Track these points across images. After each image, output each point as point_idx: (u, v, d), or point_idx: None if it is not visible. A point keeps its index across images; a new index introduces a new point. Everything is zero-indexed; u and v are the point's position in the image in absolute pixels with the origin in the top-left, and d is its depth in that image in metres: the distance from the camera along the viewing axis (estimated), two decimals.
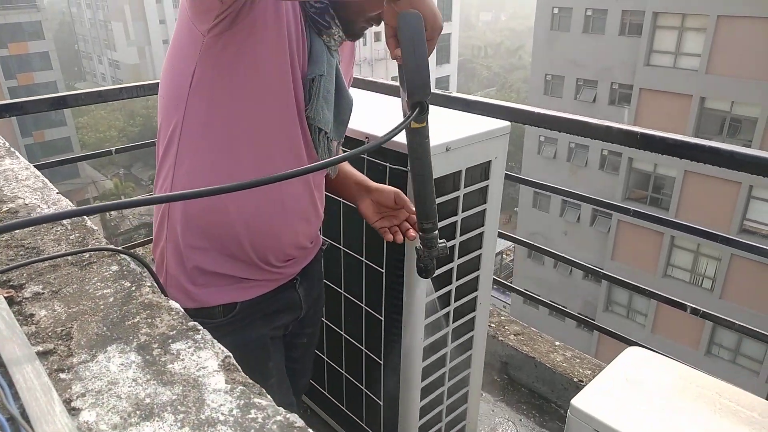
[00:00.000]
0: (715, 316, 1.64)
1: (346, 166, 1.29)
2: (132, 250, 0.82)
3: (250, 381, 0.53)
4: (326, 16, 0.98)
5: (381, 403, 1.61)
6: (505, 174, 1.64)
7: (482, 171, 1.45)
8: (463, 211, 1.42)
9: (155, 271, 1.02)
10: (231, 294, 1.06)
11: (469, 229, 1.47)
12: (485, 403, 1.99)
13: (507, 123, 1.47)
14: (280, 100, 0.98)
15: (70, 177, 28.40)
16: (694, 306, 1.66)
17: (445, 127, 1.41)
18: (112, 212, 25.08)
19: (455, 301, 1.53)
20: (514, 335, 2.10)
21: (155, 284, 0.68)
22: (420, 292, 1.41)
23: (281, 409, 0.50)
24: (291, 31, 0.95)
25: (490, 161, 1.44)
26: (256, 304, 1.09)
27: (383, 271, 1.44)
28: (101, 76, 40.91)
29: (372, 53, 28.67)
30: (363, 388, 1.65)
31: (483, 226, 1.51)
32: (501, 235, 2.33)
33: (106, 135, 27.49)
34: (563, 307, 2.16)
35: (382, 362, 1.55)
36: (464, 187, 1.39)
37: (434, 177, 1.24)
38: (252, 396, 0.51)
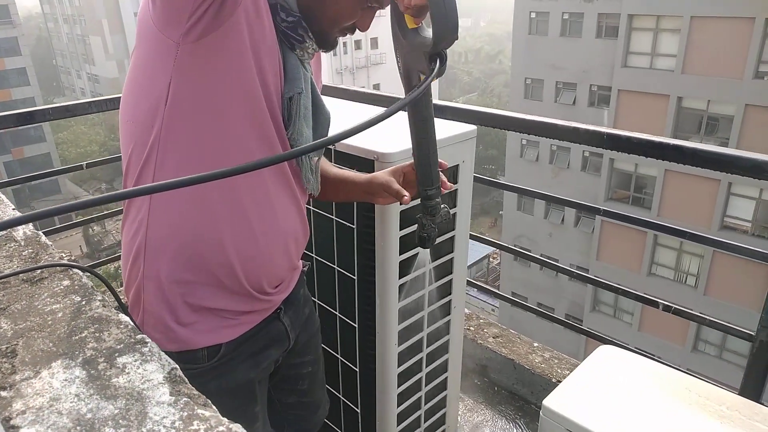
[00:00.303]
0: (687, 312, 1.66)
1: (342, 172, 1.24)
2: (97, 269, 0.81)
3: (196, 392, 0.53)
4: (299, 30, 0.93)
5: (358, 411, 1.61)
6: (474, 177, 1.65)
7: (450, 175, 1.46)
8: None
9: (129, 311, 0.99)
10: (215, 334, 0.99)
11: (440, 233, 1.48)
12: (465, 406, 1.99)
13: (473, 127, 1.48)
14: (259, 119, 0.93)
15: (51, 193, 28.06)
16: (666, 303, 1.68)
17: None
18: (95, 228, 24.75)
19: (429, 306, 1.53)
20: (493, 338, 2.11)
21: (106, 298, 0.67)
22: (393, 297, 1.41)
23: (224, 420, 0.49)
24: (261, 47, 0.89)
25: (458, 165, 1.45)
26: (241, 344, 1.03)
27: (355, 278, 1.44)
28: (80, 91, 40.55)
29: (353, 61, 28.74)
30: (340, 396, 1.65)
31: (454, 230, 1.52)
32: (484, 241, 2.34)
33: (86, 150, 27.20)
34: (546, 310, 2.16)
35: (357, 369, 1.55)
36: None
37: None
38: (196, 407, 0.51)
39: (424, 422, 1.67)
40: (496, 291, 2.65)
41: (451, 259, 1.55)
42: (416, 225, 1.13)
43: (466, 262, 1.63)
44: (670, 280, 14.28)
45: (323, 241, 1.49)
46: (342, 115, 1.19)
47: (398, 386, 1.52)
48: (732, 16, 12.61)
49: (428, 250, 1.31)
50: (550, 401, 1.19)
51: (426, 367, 1.60)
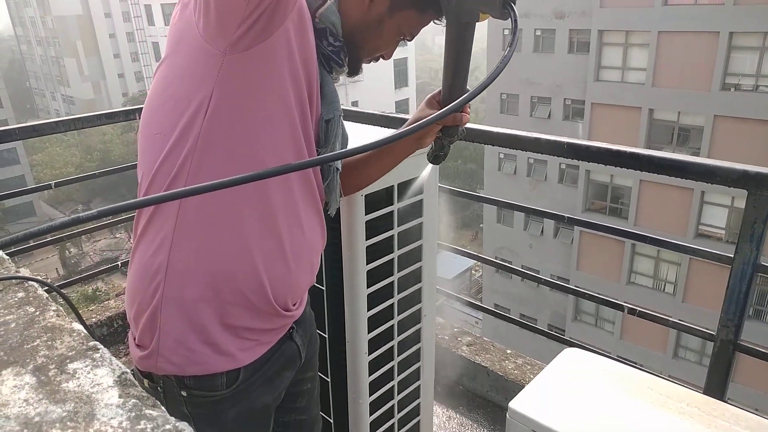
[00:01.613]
0: (650, 314, 1.70)
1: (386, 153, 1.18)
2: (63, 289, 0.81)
3: (145, 394, 0.54)
4: (341, 54, 0.96)
5: (331, 421, 1.61)
6: (453, 190, 1.69)
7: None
8: (399, 225, 1.45)
9: (134, 335, 0.94)
10: (234, 359, 0.95)
11: (408, 242, 1.50)
12: (440, 414, 2.01)
13: None
14: (296, 135, 0.93)
15: (26, 215, 27.54)
16: (630, 306, 1.72)
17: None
18: (72, 250, 24.34)
19: (398, 314, 1.55)
20: (467, 346, 2.13)
21: (60, 308, 0.68)
22: (362, 307, 1.43)
23: (172, 418, 0.51)
24: (305, 62, 0.90)
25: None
26: (258, 369, 1.00)
27: (324, 288, 1.46)
28: (55, 113, 40.09)
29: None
30: None
31: (421, 239, 1.54)
32: (464, 254, 2.38)
33: (62, 172, 26.83)
34: (529, 321, 2.18)
35: (329, 380, 1.56)
36: (398, 202, 1.43)
37: (368, 192, 1.28)
38: (144, 408, 0.52)
39: (398, 431, 1.68)
40: (477, 303, 2.67)
41: (420, 268, 1.58)
42: (431, 146, 1.13)
43: (435, 270, 1.66)
44: (649, 288, 14.49)
45: None
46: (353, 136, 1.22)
47: (370, 395, 1.53)
48: (697, 31, 13.02)
49: (427, 173, 1.33)
50: (516, 404, 1.21)
51: (398, 375, 1.62)
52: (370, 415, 1.56)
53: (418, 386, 1.71)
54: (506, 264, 2.18)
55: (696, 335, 1.62)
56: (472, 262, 21.02)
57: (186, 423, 0.50)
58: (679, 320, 1.74)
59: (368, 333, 1.47)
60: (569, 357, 1.38)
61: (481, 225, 20.32)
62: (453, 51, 0.97)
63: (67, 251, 23.62)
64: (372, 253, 1.41)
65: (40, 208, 28.04)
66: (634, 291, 14.22)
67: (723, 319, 1.51)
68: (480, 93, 0.79)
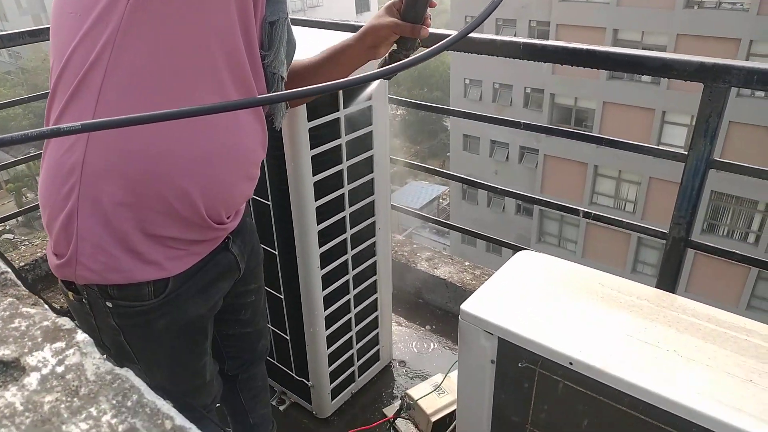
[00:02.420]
0: (604, 217, 1.71)
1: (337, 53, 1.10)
2: None
3: (26, 292, 0.48)
4: None
5: (288, 338, 1.60)
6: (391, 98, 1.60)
7: (366, 116, 1.41)
8: (346, 134, 1.38)
9: (51, 243, 0.87)
10: (161, 268, 0.90)
11: (357, 153, 1.44)
12: (400, 327, 2.02)
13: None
14: (234, 32, 0.85)
15: None
16: (585, 210, 1.72)
17: None
18: (28, 195, 23.49)
19: (351, 228, 1.51)
20: (426, 260, 2.12)
21: None
22: (310, 220, 1.37)
23: (52, 315, 0.45)
24: None
25: (370, 106, 1.39)
26: (189, 278, 0.94)
27: (269, 203, 1.39)
28: None
29: (289, 5, 27.52)
30: (269, 325, 1.63)
31: (372, 149, 1.48)
32: (436, 173, 2.31)
33: (9, 113, 25.41)
34: (496, 237, 2.21)
35: (282, 296, 1.53)
36: (344, 108, 1.34)
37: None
38: (21, 306, 0.46)
39: (357, 343, 1.68)
40: (445, 221, 2.62)
41: (372, 180, 1.52)
42: (385, 59, 1.05)
43: (388, 183, 1.61)
44: (610, 207, 14.90)
45: None
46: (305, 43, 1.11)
47: (325, 309, 1.51)
48: None
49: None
50: (468, 305, 1.20)
51: (354, 289, 1.60)
52: (327, 329, 1.54)
53: (376, 299, 1.70)
54: (472, 180, 2.13)
55: (648, 234, 1.63)
56: (439, 190, 21.19)
57: (68, 318, 0.45)
58: (631, 221, 1.75)
59: (319, 247, 1.42)
60: (522, 259, 1.37)
61: (447, 153, 20.32)
62: None
63: (23, 197, 22.80)
64: (319, 164, 1.34)
65: None
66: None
67: (675, 216, 1.52)
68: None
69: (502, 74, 16.12)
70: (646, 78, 13.58)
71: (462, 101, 17.58)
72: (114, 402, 0.38)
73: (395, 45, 1.03)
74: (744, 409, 0.91)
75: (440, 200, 22.37)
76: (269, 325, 1.63)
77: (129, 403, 0.37)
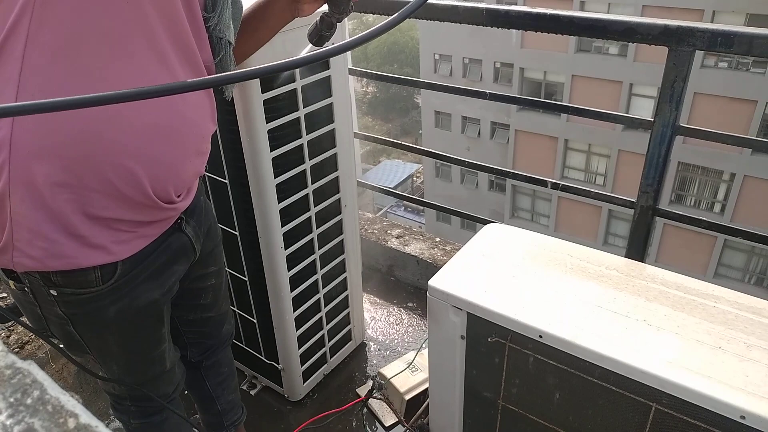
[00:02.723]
0: (572, 187, 1.69)
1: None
2: None
3: None
4: None
5: (255, 321, 1.55)
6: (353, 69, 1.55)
7: (326, 85, 1.35)
8: (305, 106, 1.32)
9: None
10: (108, 252, 0.83)
11: (318, 126, 1.38)
12: (372, 305, 1.99)
13: None
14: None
15: None
16: (553, 181, 1.70)
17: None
18: None
19: (315, 206, 1.45)
20: (396, 238, 2.09)
21: None
22: (271, 199, 1.31)
23: None
24: None
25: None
26: (140, 262, 0.89)
27: (227, 182, 1.33)
28: None
29: None
30: (235, 309, 1.57)
31: (333, 122, 1.42)
32: (409, 149, 2.25)
33: None
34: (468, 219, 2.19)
35: (246, 279, 1.47)
36: (300, 79, 1.28)
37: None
38: None
39: (327, 324, 1.64)
40: (414, 197, 2.57)
41: (335, 155, 1.47)
42: (316, 24, 0.97)
43: (353, 158, 1.55)
44: (581, 181, 15.10)
45: None
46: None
47: (292, 291, 1.46)
48: None
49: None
50: (435, 280, 1.17)
51: (321, 269, 1.55)
52: (295, 310, 1.50)
53: (345, 279, 1.66)
54: (446, 155, 2.09)
55: (617, 204, 1.62)
56: (413, 168, 21.16)
57: None
58: (599, 191, 1.74)
59: (282, 227, 1.37)
60: (490, 232, 1.34)
61: (420, 131, 20.26)
62: None
63: None
64: (277, 138, 1.28)
65: None
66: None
67: (643, 185, 1.50)
68: None
69: (472, 49, 16.04)
70: (613, 50, 13.66)
71: (432, 77, 17.47)
72: (12, 400, 0.33)
73: (326, 6, 0.95)
74: (713, 376, 0.90)
75: (414, 178, 22.37)
76: (234, 309, 1.58)
77: (29, 401, 0.33)
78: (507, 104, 15.46)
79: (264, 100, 1.20)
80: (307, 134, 1.34)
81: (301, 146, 1.34)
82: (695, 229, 12.59)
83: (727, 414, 0.85)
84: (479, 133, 16.69)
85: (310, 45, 1.00)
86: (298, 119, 1.30)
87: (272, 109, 1.23)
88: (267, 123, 1.23)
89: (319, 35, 0.97)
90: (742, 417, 0.84)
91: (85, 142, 0.75)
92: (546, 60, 14.56)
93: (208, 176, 1.35)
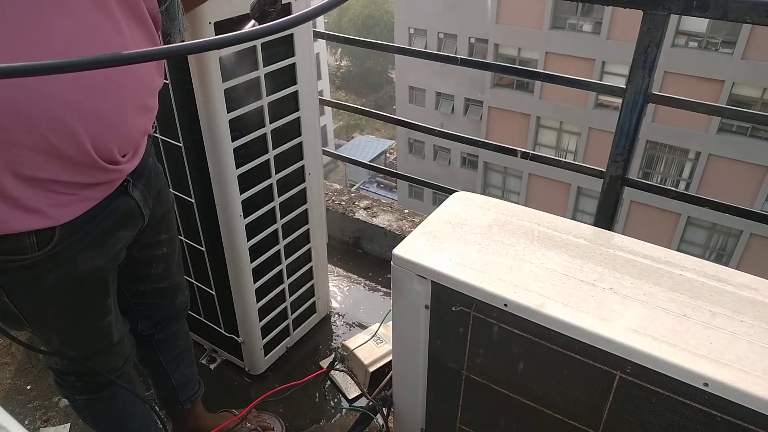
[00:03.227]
0: (541, 156, 1.67)
1: None
2: None
3: None
4: None
5: (213, 293, 1.49)
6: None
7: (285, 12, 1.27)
8: (265, 65, 1.24)
9: None
10: (44, 216, 0.77)
11: (279, 87, 1.31)
12: (338, 277, 1.95)
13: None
14: None
15: None
16: (523, 150, 1.67)
17: None
18: None
19: (277, 173, 1.39)
20: (364, 209, 2.04)
21: None
22: (229, 164, 1.25)
23: None
24: None
25: (290, 3, 1.25)
26: (81, 227, 0.83)
27: (181, 145, 1.25)
28: None
29: None
30: (193, 281, 1.51)
31: (296, 83, 1.35)
32: (390, 120, 2.18)
33: None
34: (440, 194, 2.15)
35: (204, 249, 1.41)
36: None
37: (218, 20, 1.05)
38: None
39: (290, 296, 1.59)
40: (391, 170, 2.51)
41: (298, 119, 1.40)
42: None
43: (318, 123, 1.49)
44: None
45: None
46: None
47: (252, 261, 1.41)
48: None
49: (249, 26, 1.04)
50: (400, 249, 1.12)
51: (284, 239, 1.49)
52: (255, 282, 1.44)
53: (309, 250, 1.61)
54: (421, 125, 2.03)
55: (586, 173, 1.60)
56: (387, 144, 21.05)
57: None
58: (569, 162, 1.72)
59: (241, 194, 1.30)
60: (457, 200, 1.30)
61: (394, 107, 20.11)
62: None
63: None
64: (234, 100, 1.20)
65: None
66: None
67: (613, 154, 1.48)
68: None
69: (447, 24, 15.90)
70: (587, 27, 13.68)
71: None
72: None
73: None
74: (678, 344, 0.88)
75: (387, 154, 22.28)
76: (192, 280, 1.51)
77: None
78: (481, 80, 15.45)
79: (220, 57, 1.12)
80: (267, 96, 1.27)
81: (261, 108, 1.27)
82: (660, 206, 12.91)
83: (690, 381, 0.84)
84: (453, 109, 16.66)
85: (253, 21, 0.92)
86: (257, 80, 1.23)
87: (229, 67, 1.15)
88: (224, 82, 1.15)
89: (261, 10, 0.89)
90: (705, 384, 0.83)
91: (14, 92, 0.67)
92: (521, 36, 14.53)
93: (161, 139, 1.27)
